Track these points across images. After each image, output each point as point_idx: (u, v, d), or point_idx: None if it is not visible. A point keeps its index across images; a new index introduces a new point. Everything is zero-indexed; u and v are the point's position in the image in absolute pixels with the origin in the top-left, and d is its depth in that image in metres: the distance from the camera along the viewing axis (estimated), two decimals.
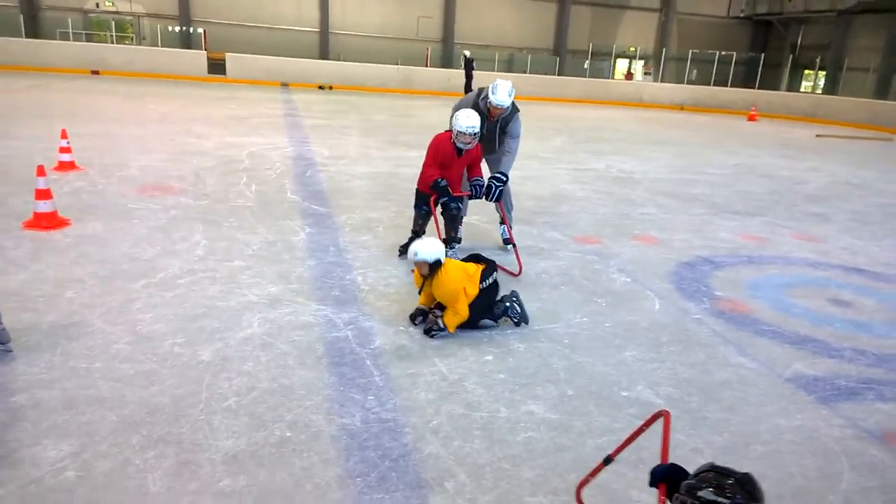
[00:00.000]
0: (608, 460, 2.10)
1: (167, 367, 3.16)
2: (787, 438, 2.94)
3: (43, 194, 5.12)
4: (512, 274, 4.83)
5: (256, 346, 3.44)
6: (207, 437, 2.64)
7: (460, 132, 4.65)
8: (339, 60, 24.84)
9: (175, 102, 14.62)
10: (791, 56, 30.08)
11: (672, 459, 2.65)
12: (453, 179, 4.90)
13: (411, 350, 3.57)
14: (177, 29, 24.88)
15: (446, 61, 27.39)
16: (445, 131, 4.85)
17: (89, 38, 23.46)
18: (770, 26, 31.77)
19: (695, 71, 28.50)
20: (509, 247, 5.28)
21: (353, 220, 6.08)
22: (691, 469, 1.63)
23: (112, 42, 23.44)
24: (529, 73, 26.07)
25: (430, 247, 3.77)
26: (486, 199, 5.00)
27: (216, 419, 2.76)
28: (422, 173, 4.87)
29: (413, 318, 3.92)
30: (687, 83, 27.66)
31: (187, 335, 3.50)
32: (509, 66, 27.62)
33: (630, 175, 9.69)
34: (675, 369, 3.54)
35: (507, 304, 3.95)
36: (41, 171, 5.18)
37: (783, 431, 3.00)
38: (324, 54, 26.26)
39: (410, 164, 9.08)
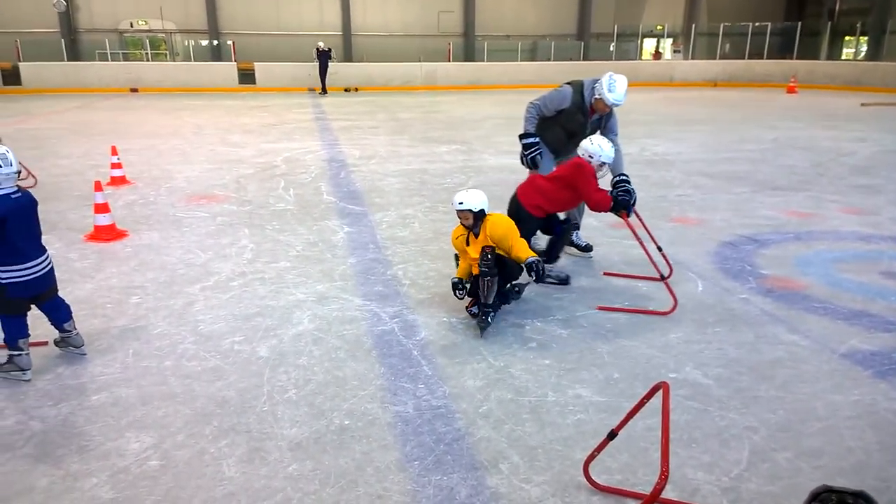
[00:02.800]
0: (612, 435, 2.23)
1: (229, 364, 3.35)
2: (844, 414, 2.91)
3: (102, 208, 5.42)
4: (658, 279, 4.34)
5: (309, 342, 3.60)
6: (273, 426, 2.81)
7: (608, 164, 4.32)
8: (362, 62, 25.08)
9: (211, 114, 15.03)
10: (830, 23, 29.00)
11: (726, 438, 2.71)
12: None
13: (456, 340, 3.67)
14: (207, 42, 25.47)
15: (468, 55, 27.36)
16: (577, 157, 4.33)
17: (126, 58, 24.23)
18: None
19: (727, 45, 27.78)
20: (590, 255, 5.09)
21: (388, 217, 6.22)
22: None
23: (147, 59, 24.17)
24: (553, 59, 25.88)
25: (475, 196, 3.74)
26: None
27: (279, 410, 2.92)
28: (594, 198, 4.24)
29: (456, 287, 3.89)
30: (720, 58, 27.02)
31: (245, 333, 3.69)
32: (532, 54, 27.43)
33: (664, 157, 9.60)
34: (723, 349, 3.54)
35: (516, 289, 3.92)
36: (98, 187, 5.48)
37: (840, 407, 2.97)
38: (347, 57, 26.54)
39: (441, 160, 9.19)
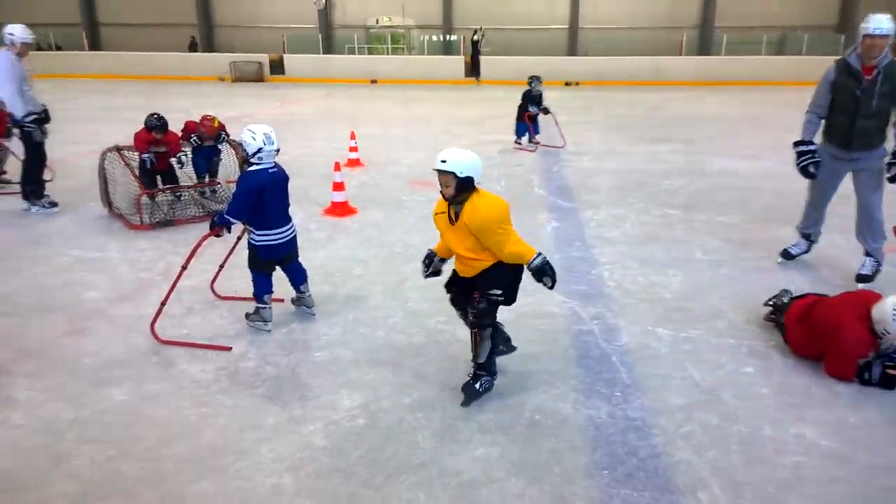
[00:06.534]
0: None
1: (432, 342, 3.55)
2: None
3: (338, 186, 6.11)
4: None
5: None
6: (466, 408, 2.91)
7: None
8: (586, 56, 24.61)
9: (437, 105, 15.98)
10: None
11: None
12: None
13: (660, 351, 3.45)
14: (439, 37, 27.09)
15: (703, 48, 25.29)
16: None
17: (369, 52, 26.82)
18: None
19: None
20: (861, 285, 4.20)
21: (599, 215, 6.03)
22: None
23: (387, 53, 26.48)
24: (806, 54, 22.79)
25: (463, 156, 2.74)
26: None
27: None
28: (833, 366, 3.21)
29: (426, 258, 3.12)
30: None
31: (447, 315, 3.82)
32: (780, 48, 24.47)
33: None
34: None
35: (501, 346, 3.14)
36: (337, 167, 6.18)
37: None
38: (572, 51, 26.23)
39: (661, 160, 8.67)
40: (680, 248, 5.09)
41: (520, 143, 9.51)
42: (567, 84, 22.02)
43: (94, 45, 27.40)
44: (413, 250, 5.04)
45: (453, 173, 2.71)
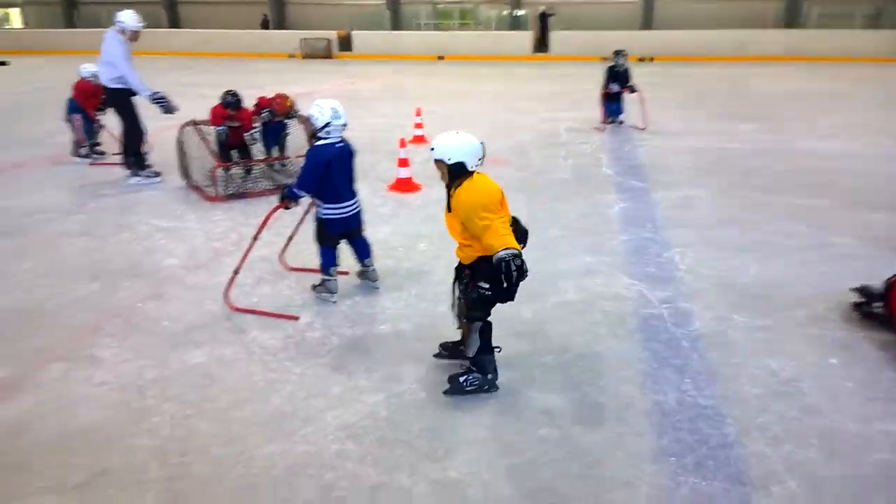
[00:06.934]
0: None
1: (495, 320, 3.48)
2: None
3: (404, 162, 6.12)
4: None
5: (571, 311, 3.59)
6: (528, 387, 2.88)
7: None
8: (661, 30, 23.56)
9: (503, 81, 15.74)
10: None
11: None
12: None
13: (734, 338, 3.30)
14: (507, 13, 26.55)
15: (792, 21, 23.71)
16: None
17: (437, 27, 26.64)
18: None
19: None
20: None
21: (671, 196, 5.80)
22: None
23: (454, 29, 26.24)
24: None
25: (452, 141, 2.63)
26: None
27: (536, 373, 2.98)
28: None
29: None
30: None
31: None
32: (875, 21, 22.64)
33: None
34: None
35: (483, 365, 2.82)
36: (402, 143, 6.17)
37: None
38: (647, 24, 25.15)
39: (742, 140, 8.23)
40: (760, 231, 4.84)
41: (609, 122, 9.12)
42: (641, 60, 21.19)
43: (173, 22, 28.46)
44: None
45: (442, 160, 2.65)
